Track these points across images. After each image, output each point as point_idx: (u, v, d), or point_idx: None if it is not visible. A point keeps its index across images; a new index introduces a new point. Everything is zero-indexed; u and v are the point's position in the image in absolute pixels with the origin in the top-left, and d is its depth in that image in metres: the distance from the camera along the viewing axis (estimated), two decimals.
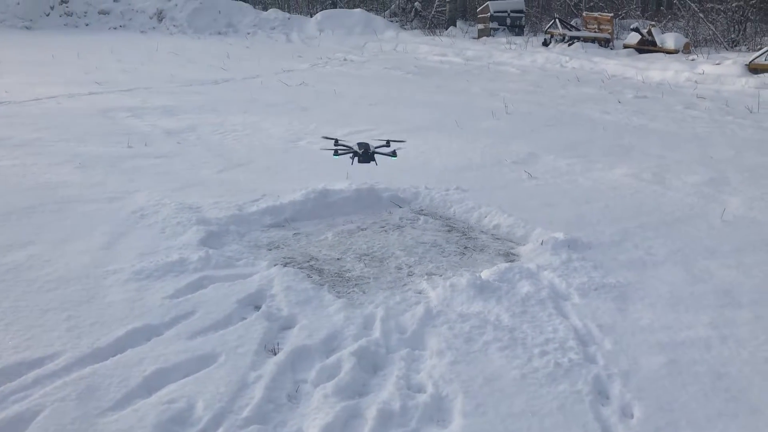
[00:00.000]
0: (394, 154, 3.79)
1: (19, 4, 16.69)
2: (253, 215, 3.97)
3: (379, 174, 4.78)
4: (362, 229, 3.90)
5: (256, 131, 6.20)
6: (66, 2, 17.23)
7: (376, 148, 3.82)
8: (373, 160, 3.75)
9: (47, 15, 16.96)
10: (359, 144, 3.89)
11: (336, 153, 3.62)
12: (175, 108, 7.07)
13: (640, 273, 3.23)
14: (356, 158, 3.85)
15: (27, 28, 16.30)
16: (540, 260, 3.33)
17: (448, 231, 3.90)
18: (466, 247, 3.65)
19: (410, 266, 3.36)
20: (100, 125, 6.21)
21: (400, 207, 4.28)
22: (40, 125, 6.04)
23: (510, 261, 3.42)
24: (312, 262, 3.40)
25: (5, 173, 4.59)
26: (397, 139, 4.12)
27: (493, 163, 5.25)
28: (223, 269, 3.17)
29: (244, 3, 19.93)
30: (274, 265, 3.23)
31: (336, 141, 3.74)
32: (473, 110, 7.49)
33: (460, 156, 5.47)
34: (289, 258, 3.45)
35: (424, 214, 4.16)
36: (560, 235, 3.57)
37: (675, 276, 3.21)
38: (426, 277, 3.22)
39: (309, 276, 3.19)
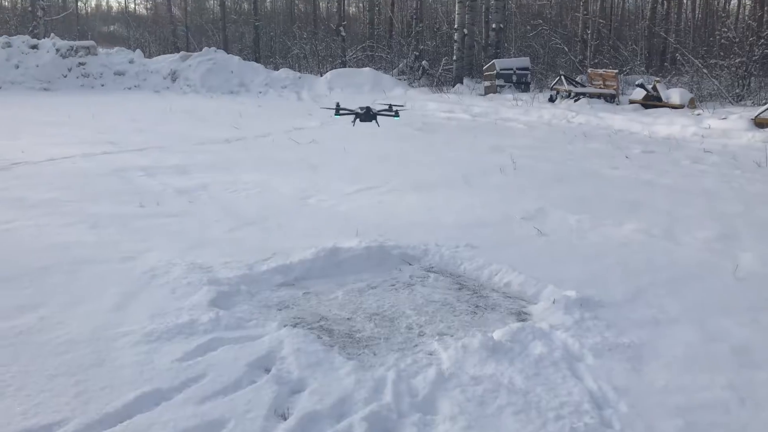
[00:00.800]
0: (396, 114, 3.79)
1: (38, 66, 17.15)
2: (264, 274, 3.98)
3: (389, 230, 4.81)
4: (372, 288, 3.90)
5: (267, 189, 6.26)
6: (83, 64, 17.69)
7: (379, 111, 3.85)
8: (375, 119, 3.75)
9: (65, 77, 17.40)
10: (361, 107, 3.95)
11: (337, 112, 3.63)
12: (188, 167, 7.17)
13: (654, 332, 3.20)
14: (358, 119, 3.88)
15: (45, 89, 16.70)
16: (552, 320, 3.31)
17: (459, 289, 3.88)
18: (477, 306, 3.63)
19: (421, 326, 3.34)
20: (114, 185, 6.29)
21: (410, 264, 4.28)
22: (55, 185, 6.13)
23: (522, 320, 3.39)
24: (322, 323, 3.38)
25: (20, 234, 4.64)
26: (398, 104, 4.12)
27: (503, 220, 5.26)
28: (233, 331, 3.16)
29: (255, 63, 20.41)
30: (284, 326, 3.22)
31: (338, 105, 3.74)
32: (481, 166, 7.56)
33: (469, 212, 5.49)
34: (299, 318, 3.44)
35: (434, 272, 4.15)
36: (572, 294, 3.54)
37: (689, 335, 3.17)
38: (437, 337, 3.19)
39: (319, 337, 3.17)
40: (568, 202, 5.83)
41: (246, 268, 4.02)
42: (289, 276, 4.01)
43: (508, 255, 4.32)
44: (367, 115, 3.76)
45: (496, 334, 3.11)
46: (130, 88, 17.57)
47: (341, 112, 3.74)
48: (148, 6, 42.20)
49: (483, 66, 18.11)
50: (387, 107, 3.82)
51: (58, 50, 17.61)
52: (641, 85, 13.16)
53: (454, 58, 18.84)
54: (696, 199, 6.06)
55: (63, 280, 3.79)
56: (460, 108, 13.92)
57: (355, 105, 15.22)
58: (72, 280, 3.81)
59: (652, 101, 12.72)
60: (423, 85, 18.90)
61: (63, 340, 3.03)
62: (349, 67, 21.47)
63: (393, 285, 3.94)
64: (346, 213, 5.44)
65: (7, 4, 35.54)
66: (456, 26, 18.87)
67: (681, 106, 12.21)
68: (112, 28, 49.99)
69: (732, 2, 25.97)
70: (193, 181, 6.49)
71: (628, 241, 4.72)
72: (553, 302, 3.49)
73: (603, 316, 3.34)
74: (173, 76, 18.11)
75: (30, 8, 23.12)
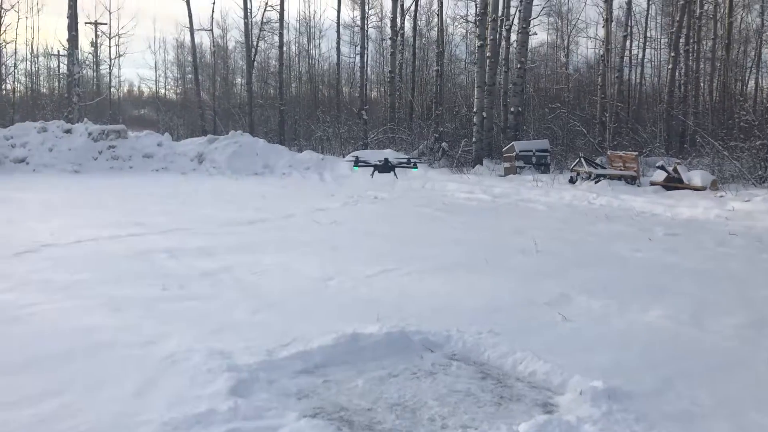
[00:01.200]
0: (415, 166, 3.78)
1: (70, 149, 17.72)
2: (283, 361, 3.94)
3: (410, 314, 4.78)
4: (393, 376, 3.83)
5: (289, 271, 6.29)
6: (113, 147, 18.25)
7: (397, 164, 3.85)
8: (393, 171, 3.75)
9: (95, 159, 17.92)
10: (379, 160, 3.97)
11: (356, 165, 3.64)
12: (211, 249, 7.24)
13: (687, 427, 3.09)
14: (376, 171, 3.88)
15: (76, 171, 17.18)
16: (580, 412, 3.21)
17: (482, 378, 3.81)
18: (501, 397, 3.54)
19: (444, 418, 3.26)
20: (138, 267, 6.36)
21: (432, 351, 4.22)
22: (81, 268, 6.22)
23: (548, 412, 3.30)
24: (342, 413, 3.32)
25: (44, 317, 4.68)
26: (415, 158, 4.12)
27: (526, 304, 5.20)
28: (251, 421, 3.11)
29: (280, 145, 20.93)
30: (304, 417, 3.16)
31: (357, 158, 3.76)
32: (503, 248, 7.54)
33: (492, 296, 5.44)
34: (318, 408, 3.37)
35: (457, 360, 4.08)
36: (599, 384, 3.45)
37: (725, 431, 3.06)
38: (461, 430, 3.11)
39: (339, 429, 3.11)
40: (591, 286, 5.76)
41: (266, 354, 3.99)
42: (308, 363, 3.96)
43: (533, 342, 4.25)
44: (386, 166, 3.84)
45: (522, 428, 3.02)
46: (157, 170, 18.01)
47: (360, 164, 3.83)
48: (178, 91, 43.81)
49: (502, 147, 18.36)
50: (405, 160, 3.89)
51: (90, 134, 18.22)
52: (662, 167, 13.21)
53: (474, 139, 19.15)
54: (723, 283, 5.96)
55: (85, 365, 3.79)
56: (481, 189, 14.03)
57: (376, 184, 15.51)
58: (93, 364, 3.81)
59: (674, 183, 12.73)
60: (443, 166, 19.15)
61: (83, 429, 3.00)
62: (370, 148, 21.89)
63: (415, 373, 3.88)
64: (367, 296, 5.42)
65: (45, 90, 37.13)
66: (475, 109, 19.27)
67: (703, 188, 12.19)
68: (142, 111, 51.85)
69: (749, 85, 26.33)
70: (216, 263, 6.55)
71: (654, 327, 4.63)
72: (580, 393, 3.40)
73: (632, 408, 3.24)
74: (200, 159, 18.56)
75: (66, 94, 24.10)
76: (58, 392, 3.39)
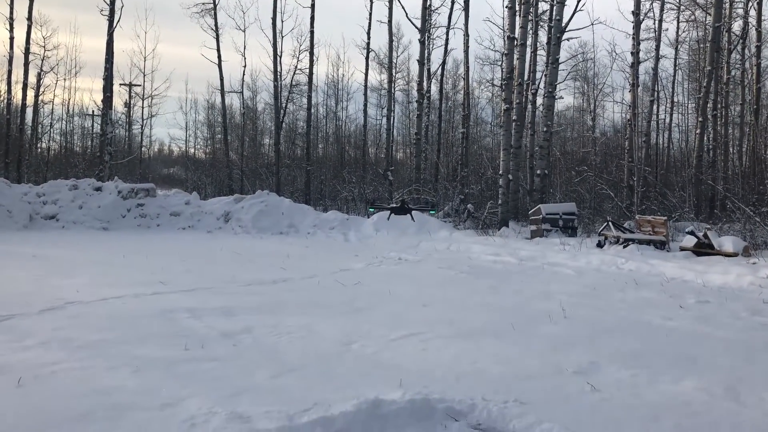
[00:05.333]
0: (432, 207, 3.73)
1: (100, 207, 18.07)
2: (304, 427, 3.85)
3: (433, 380, 4.66)
4: None
5: (311, 333, 6.22)
6: (142, 205, 18.57)
7: (415, 207, 3.79)
8: (410, 213, 3.68)
9: (123, 217, 18.23)
10: (396, 201, 3.92)
11: (371, 206, 3.59)
12: (233, 309, 7.22)
13: None
14: (392, 213, 3.82)
15: (104, 229, 17.47)
16: None
17: None
18: None
19: None
20: (160, 326, 6.34)
21: (456, 420, 4.09)
22: (103, 326, 6.22)
23: None
24: None
25: (64, 377, 4.65)
26: (432, 200, 4.05)
27: (553, 373, 5.06)
28: None
29: (305, 205, 21.11)
30: None
31: (372, 201, 3.72)
32: (529, 313, 7.40)
33: (518, 363, 5.30)
34: None
35: (482, 430, 3.95)
36: None
37: None
38: None
39: None
40: (621, 354, 5.59)
41: (286, 419, 3.90)
42: (329, 429, 3.86)
43: (561, 413, 4.10)
44: (402, 208, 3.81)
45: None
46: (184, 228, 18.23)
47: (375, 205, 3.82)
48: (207, 150, 44.75)
49: (528, 210, 18.30)
50: (423, 203, 3.88)
51: (119, 192, 18.60)
52: (692, 233, 13.01)
53: (500, 201, 19.13)
54: (759, 354, 5.74)
55: (103, 428, 3.73)
56: (506, 251, 13.91)
57: (401, 245, 15.49)
58: (111, 428, 3.75)
59: (704, 249, 12.51)
60: (468, 228, 19.10)
61: None
62: (398, 201, 21.96)
63: None
64: (390, 361, 5.32)
65: (78, 149, 38.19)
66: (501, 171, 19.32)
67: (735, 254, 11.95)
68: (172, 170, 52.97)
69: None
70: (238, 324, 6.51)
71: (687, 400, 4.45)
72: None
73: None
74: (226, 217, 18.77)
75: (98, 153, 24.74)
76: None
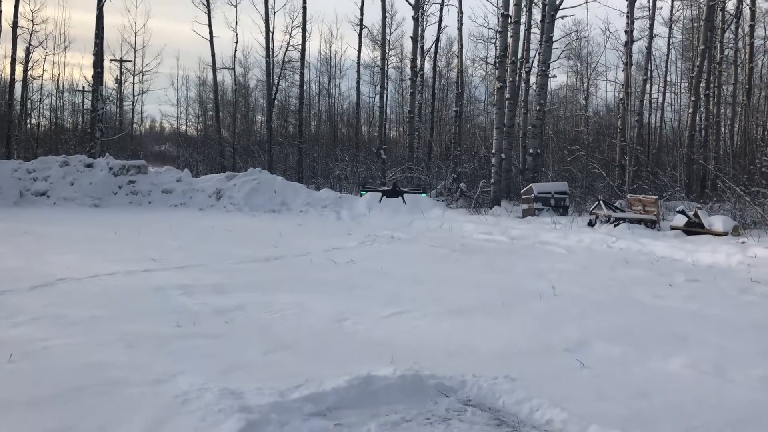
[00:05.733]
0: (423, 191, 3.76)
1: (91, 184, 17.97)
2: (295, 402, 3.87)
3: (424, 357, 4.70)
4: (407, 421, 3.75)
5: (303, 310, 6.24)
6: (133, 182, 18.48)
7: (407, 190, 3.81)
8: (401, 196, 3.71)
9: (115, 194, 18.14)
10: (388, 185, 3.95)
11: (363, 189, 3.62)
12: (226, 286, 7.23)
13: None
14: (384, 196, 3.85)
15: (96, 206, 17.39)
16: None
17: (498, 425, 3.71)
18: None
19: None
20: (153, 303, 6.35)
21: (447, 396, 4.13)
22: (95, 303, 6.22)
23: None
24: None
25: (57, 353, 4.66)
26: (423, 183, 4.07)
27: (543, 350, 5.10)
28: None
29: (298, 183, 21.06)
30: None
31: (364, 184, 3.75)
32: (520, 291, 7.45)
33: (508, 340, 5.35)
34: None
35: (472, 405, 3.99)
36: None
37: None
38: None
39: None
40: (611, 332, 5.65)
41: (278, 395, 3.93)
42: (320, 405, 3.89)
43: (550, 389, 4.15)
44: (394, 191, 3.82)
45: None
46: (176, 206, 18.16)
47: (367, 188, 3.83)
48: (199, 127, 44.46)
49: (521, 189, 18.33)
50: (415, 186, 3.89)
51: (111, 169, 18.49)
52: (682, 212, 13.07)
53: (492, 181, 19.15)
54: (745, 332, 5.81)
55: (94, 403, 3.75)
56: (498, 230, 13.95)
57: (394, 223, 15.52)
58: (103, 402, 3.77)
59: (694, 228, 12.58)
60: (461, 207, 19.13)
61: None
62: (391, 181, 21.95)
63: (428, 419, 3.79)
64: (381, 338, 5.35)
65: (68, 125, 37.86)
66: (494, 150, 19.31)
67: (724, 234, 12.03)
68: (163, 147, 52.65)
69: None
70: (230, 301, 6.52)
71: (676, 377, 4.50)
72: None
73: None
74: (218, 195, 18.71)
75: (89, 129, 24.55)
76: (66, 429, 3.35)
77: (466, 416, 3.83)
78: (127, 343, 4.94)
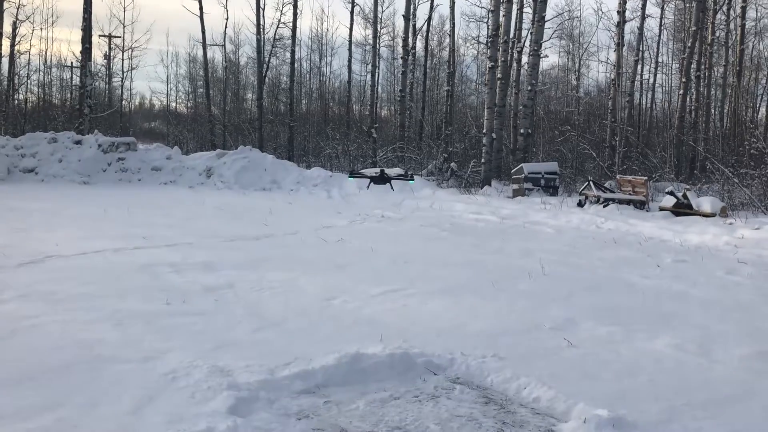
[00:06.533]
0: (411, 178, 3.77)
1: (80, 161, 17.81)
2: (284, 380, 3.90)
3: (413, 335, 4.73)
4: (395, 398, 3.78)
5: (292, 288, 6.25)
6: (123, 159, 18.34)
7: (395, 176, 3.83)
8: (389, 182, 3.73)
9: (104, 171, 18.00)
10: (375, 171, 3.95)
11: (351, 175, 3.63)
12: (215, 264, 7.22)
13: None
14: (372, 182, 3.87)
15: (85, 183, 17.25)
16: None
17: (485, 403, 3.75)
18: (504, 422, 3.48)
19: None
20: (142, 281, 6.34)
21: (435, 374, 4.17)
22: (85, 280, 6.20)
23: None
24: None
25: (46, 330, 4.66)
26: (413, 172, 4.09)
27: (531, 329, 5.14)
28: None
29: (288, 162, 20.96)
30: None
31: (353, 170, 3.75)
32: (509, 270, 7.48)
33: (497, 319, 5.38)
34: (318, 429, 3.33)
35: (460, 383, 4.03)
36: (604, 413, 3.39)
37: None
38: None
39: None
40: (598, 311, 5.70)
41: (267, 373, 3.95)
42: (309, 382, 3.92)
43: (537, 367, 4.19)
44: (381, 178, 3.82)
45: None
46: (165, 183, 18.05)
47: (356, 175, 3.82)
48: (189, 105, 44.08)
49: (511, 169, 18.33)
50: (403, 173, 3.88)
51: (100, 146, 18.32)
52: (671, 193, 13.13)
53: (483, 160, 19.14)
54: (731, 313, 5.88)
55: (83, 380, 3.75)
56: (488, 210, 13.98)
57: (384, 202, 15.51)
58: (92, 379, 3.77)
59: (683, 209, 12.65)
60: (451, 186, 19.12)
61: None
62: (379, 166, 21.90)
63: (417, 396, 3.82)
64: (371, 316, 5.38)
65: (57, 101, 37.43)
66: (485, 130, 19.28)
67: (712, 215, 12.11)
68: (153, 124, 52.17)
69: (761, 113, 26.28)
70: (220, 278, 6.52)
71: (661, 356, 4.56)
72: (584, 421, 3.34)
73: None
74: (208, 173, 18.61)
75: (78, 106, 24.28)
76: (54, 407, 3.35)
77: (455, 394, 3.86)
78: (116, 321, 4.94)
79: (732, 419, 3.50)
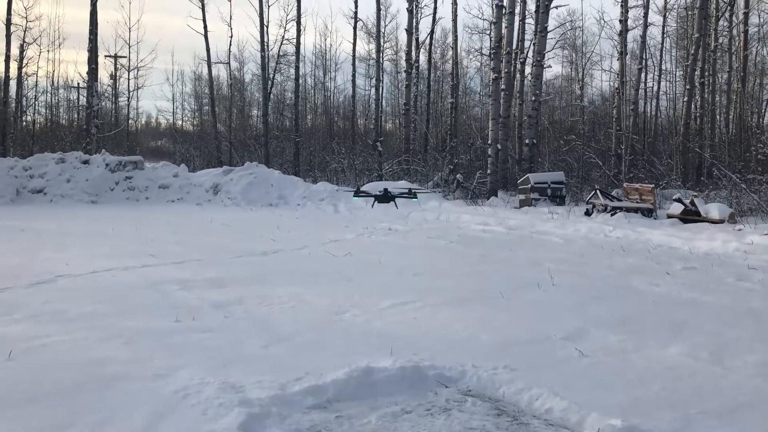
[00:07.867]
0: (415, 196, 3.77)
1: (88, 180, 17.94)
2: (296, 395, 3.88)
3: (424, 348, 4.71)
4: (407, 412, 3.76)
5: (302, 303, 6.25)
6: (130, 178, 18.45)
7: (398, 194, 3.83)
8: (393, 201, 3.73)
9: (112, 190, 18.12)
10: (380, 190, 3.96)
11: (356, 194, 3.64)
12: (224, 280, 7.23)
13: None
14: (376, 201, 3.87)
15: (93, 202, 17.37)
16: None
17: (498, 415, 3.72)
18: None
19: None
20: (151, 298, 6.35)
21: (446, 387, 4.14)
22: (94, 299, 6.22)
23: None
24: None
25: (56, 349, 4.67)
26: (418, 189, 4.09)
27: (542, 339, 5.12)
28: None
29: (295, 177, 21.05)
30: None
31: (358, 188, 3.77)
32: (518, 281, 7.46)
33: (507, 330, 5.36)
34: None
35: (472, 396, 4.00)
36: (617, 422, 3.37)
37: None
38: None
39: None
40: (609, 321, 5.67)
41: (278, 388, 3.94)
42: (321, 398, 3.90)
43: (549, 378, 4.16)
44: (386, 196, 3.82)
45: None
46: (173, 201, 18.15)
47: (360, 194, 3.83)
48: (195, 122, 44.36)
49: (517, 179, 18.33)
50: (407, 190, 3.88)
51: (107, 165, 18.45)
52: (679, 200, 13.09)
53: (489, 171, 19.15)
54: (743, 319, 5.84)
55: (94, 399, 3.75)
56: (495, 221, 13.97)
57: (391, 215, 15.51)
58: (103, 398, 3.77)
59: (691, 216, 12.60)
60: (457, 198, 19.14)
61: None
62: (385, 179, 21.94)
63: (428, 410, 3.80)
64: (380, 329, 5.36)
65: (64, 122, 37.72)
66: (490, 141, 19.30)
67: (721, 221, 12.05)
68: (159, 143, 52.51)
69: (766, 119, 26.20)
70: (229, 294, 6.52)
71: (673, 364, 4.52)
72: (598, 431, 3.31)
73: None
74: (215, 190, 18.69)
75: (85, 126, 24.47)
76: (65, 426, 3.35)
77: (467, 406, 3.84)
78: (126, 339, 4.94)
79: (747, 426, 3.47)
